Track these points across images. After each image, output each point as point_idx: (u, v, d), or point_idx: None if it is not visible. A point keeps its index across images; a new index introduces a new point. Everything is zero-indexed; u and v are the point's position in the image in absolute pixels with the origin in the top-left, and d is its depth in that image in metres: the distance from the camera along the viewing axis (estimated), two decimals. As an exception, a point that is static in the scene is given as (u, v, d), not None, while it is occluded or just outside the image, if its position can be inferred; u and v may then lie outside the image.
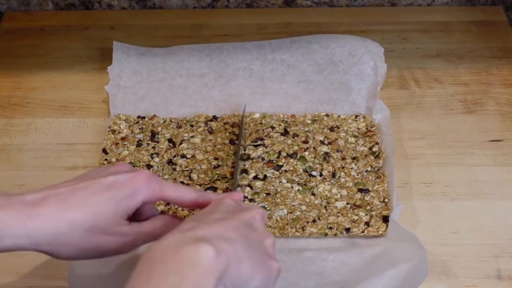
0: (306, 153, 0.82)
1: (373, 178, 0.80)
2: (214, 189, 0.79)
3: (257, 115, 0.88)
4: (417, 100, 0.92)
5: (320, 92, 0.90)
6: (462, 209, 0.78)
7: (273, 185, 0.79)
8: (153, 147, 0.84)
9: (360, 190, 0.78)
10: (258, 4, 1.09)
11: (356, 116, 0.87)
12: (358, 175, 0.80)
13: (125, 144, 0.84)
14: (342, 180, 0.80)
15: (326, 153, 0.83)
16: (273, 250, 0.58)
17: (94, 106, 0.92)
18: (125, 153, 0.83)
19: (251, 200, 0.78)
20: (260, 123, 0.87)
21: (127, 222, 0.59)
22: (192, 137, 0.85)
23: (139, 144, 0.84)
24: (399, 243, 0.70)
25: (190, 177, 0.80)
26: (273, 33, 1.03)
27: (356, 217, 0.75)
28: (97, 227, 0.57)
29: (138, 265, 0.50)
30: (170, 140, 0.85)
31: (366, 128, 0.86)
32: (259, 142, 0.84)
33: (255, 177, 0.80)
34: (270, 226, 0.75)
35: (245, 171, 0.81)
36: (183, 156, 0.83)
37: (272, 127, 0.86)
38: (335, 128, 0.86)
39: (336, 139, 0.84)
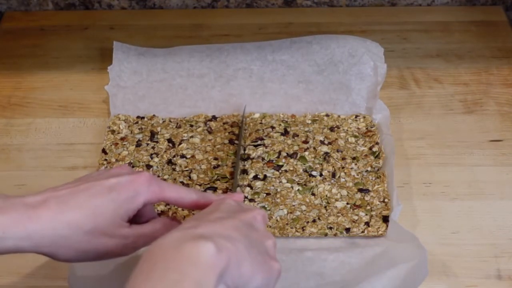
0: (306, 153, 0.82)
1: (373, 178, 0.80)
2: (214, 189, 0.79)
3: (257, 115, 0.88)
4: (417, 100, 0.92)
5: (320, 92, 0.90)
6: (462, 209, 0.78)
7: (273, 185, 0.79)
8: (153, 147, 0.84)
9: (360, 190, 0.78)
10: (258, 4, 1.09)
11: (356, 116, 0.87)
12: (358, 175, 0.80)
13: (124, 144, 0.84)
14: (342, 180, 0.80)
15: (326, 153, 0.83)
16: (274, 251, 0.58)
17: (94, 106, 0.92)
18: (124, 153, 0.83)
19: (251, 200, 0.78)
20: (260, 123, 0.87)
21: (127, 224, 0.59)
22: (192, 137, 0.85)
23: (138, 144, 0.84)
24: (399, 243, 0.70)
25: (189, 177, 0.80)
26: (273, 33, 1.03)
27: (356, 217, 0.75)
28: (98, 229, 0.57)
29: (138, 263, 0.50)
30: (169, 140, 0.85)
31: (366, 128, 0.86)
32: (259, 142, 0.84)
33: (255, 177, 0.80)
34: (270, 226, 0.75)
35: (245, 171, 0.81)
36: (182, 156, 0.83)
37: (272, 127, 0.86)
38: (335, 128, 0.86)
39: (336, 139, 0.84)
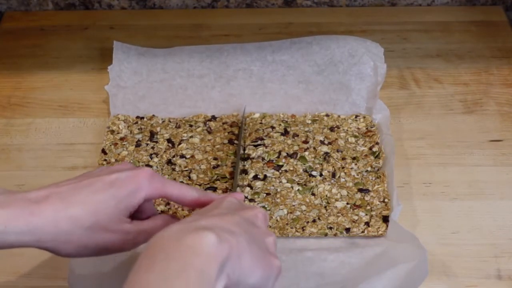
0: (306, 153, 0.82)
1: (373, 178, 0.80)
2: (214, 189, 0.79)
3: (257, 115, 0.88)
4: (417, 100, 0.92)
5: (320, 92, 0.90)
6: (462, 209, 0.78)
7: (273, 185, 0.79)
8: (152, 147, 0.84)
9: (360, 190, 0.78)
10: (258, 4, 1.09)
11: (356, 116, 0.87)
12: (358, 175, 0.80)
13: (124, 145, 0.84)
14: (342, 180, 0.80)
15: (326, 153, 0.82)
16: (274, 248, 0.58)
17: (94, 106, 0.92)
18: (124, 153, 0.83)
19: (251, 200, 0.78)
20: (260, 123, 0.87)
21: (128, 220, 0.60)
22: (191, 137, 0.85)
23: (138, 144, 0.84)
24: (399, 243, 0.70)
25: (189, 177, 0.80)
26: (273, 33, 1.03)
27: (356, 217, 0.75)
28: (99, 225, 0.57)
29: (140, 256, 0.50)
30: (169, 140, 0.85)
31: (366, 128, 0.86)
32: (259, 142, 0.84)
33: (255, 177, 0.80)
34: (270, 226, 0.75)
35: (245, 171, 0.81)
36: (182, 156, 0.83)
37: (272, 127, 0.86)
38: (335, 128, 0.86)
39: (336, 139, 0.84)
